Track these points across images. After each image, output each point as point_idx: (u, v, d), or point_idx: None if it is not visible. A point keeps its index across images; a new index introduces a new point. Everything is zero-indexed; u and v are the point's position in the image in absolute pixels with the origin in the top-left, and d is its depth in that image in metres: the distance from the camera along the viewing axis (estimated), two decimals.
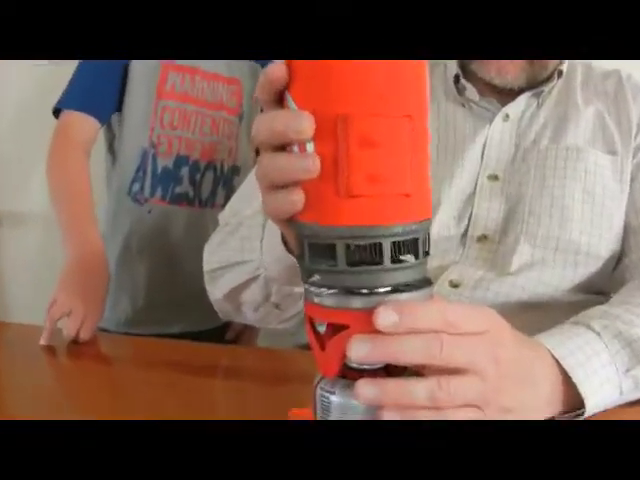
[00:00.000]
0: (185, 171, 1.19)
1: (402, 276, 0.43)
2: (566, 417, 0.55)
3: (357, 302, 0.43)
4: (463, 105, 0.86)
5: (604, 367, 0.55)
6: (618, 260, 0.82)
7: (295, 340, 0.96)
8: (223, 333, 1.26)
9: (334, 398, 0.47)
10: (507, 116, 0.84)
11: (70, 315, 0.87)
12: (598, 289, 0.81)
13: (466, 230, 0.81)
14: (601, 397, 0.55)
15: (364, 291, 0.44)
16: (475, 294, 0.78)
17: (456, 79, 0.87)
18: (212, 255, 0.82)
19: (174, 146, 1.18)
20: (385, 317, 0.42)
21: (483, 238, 0.81)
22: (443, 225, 0.81)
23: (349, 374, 0.47)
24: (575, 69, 0.89)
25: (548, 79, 0.85)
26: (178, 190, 1.19)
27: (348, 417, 0.46)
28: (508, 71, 0.82)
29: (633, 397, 0.58)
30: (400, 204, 0.42)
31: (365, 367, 0.47)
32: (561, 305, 0.79)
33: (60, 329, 0.87)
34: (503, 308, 0.80)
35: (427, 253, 0.45)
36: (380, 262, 0.42)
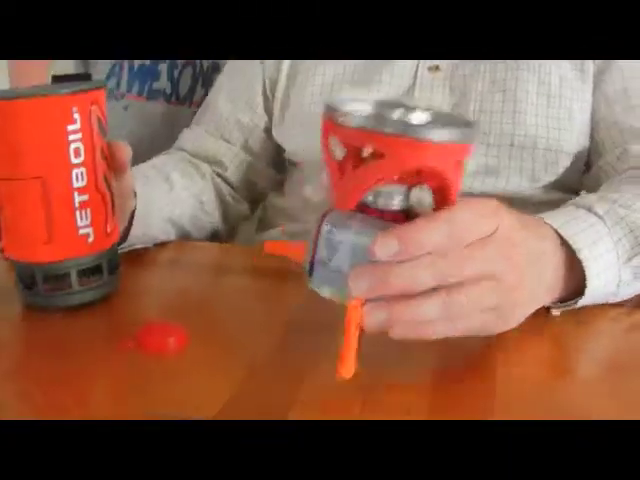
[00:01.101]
0: (163, 67, 1.14)
1: (90, 295, 0.58)
2: (562, 306, 0.53)
3: (389, 127, 0.40)
4: None
5: (609, 252, 0.53)
6: (591, 162, 0.77)
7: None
8: None
9: (347, 236, 0.43)
10: None
11: None
12: (572, 189, 0.77)
13: None
14: (602, 283, 0.53)
15: (396, 117, 0.42)
16: None
17: None
18: None
19: None
20: (383, 248, 0.40)
21: None
22: None
23: (366, 210, 0.44)
24: None
25: None
26: (155, 86, 1.14)
27: (357, 258, 0.42)
28: None
29: (628, 292, 0.56)
30: (81, 245, 0.57)
31: (384, 208, 0.44)
32: (534, 202, 0.74)
33: None
34: None
35: (113, 271, 0.60)
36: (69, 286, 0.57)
